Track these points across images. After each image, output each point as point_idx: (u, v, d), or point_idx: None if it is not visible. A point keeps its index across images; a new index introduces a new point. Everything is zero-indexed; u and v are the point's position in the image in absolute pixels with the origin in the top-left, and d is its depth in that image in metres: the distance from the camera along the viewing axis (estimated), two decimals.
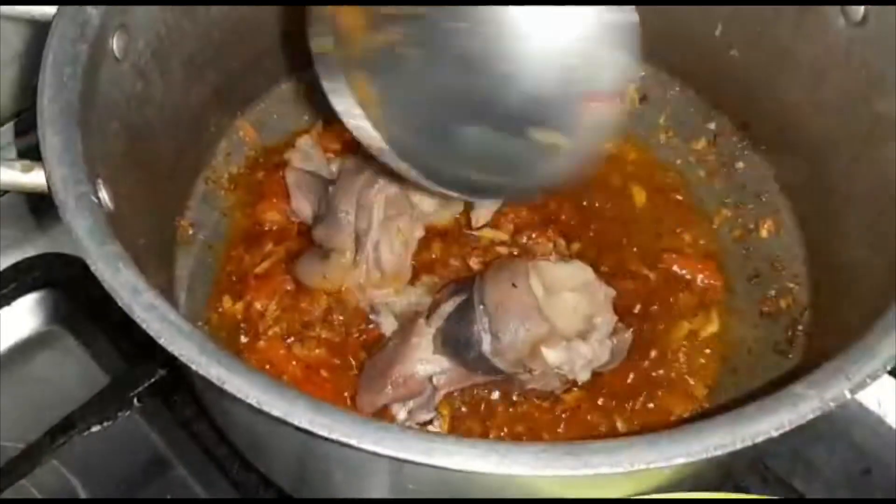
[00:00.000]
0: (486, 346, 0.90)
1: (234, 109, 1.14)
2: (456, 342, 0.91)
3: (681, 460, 0.60)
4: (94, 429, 1.00)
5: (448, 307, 0.93)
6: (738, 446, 0.61)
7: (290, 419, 0.61)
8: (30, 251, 1.15)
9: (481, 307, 0.90)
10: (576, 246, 1.10)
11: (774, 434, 0.62)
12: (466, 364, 0.91)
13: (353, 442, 0.60)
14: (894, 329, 0.68)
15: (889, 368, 0.66)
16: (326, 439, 0.60)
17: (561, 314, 0.91)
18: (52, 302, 1.14)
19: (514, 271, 0.92)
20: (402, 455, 0.60)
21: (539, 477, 0.61)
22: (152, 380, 1.02)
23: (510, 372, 0.91)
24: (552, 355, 0.88)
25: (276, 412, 0.61)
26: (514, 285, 0.90)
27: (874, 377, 0.65)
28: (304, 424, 0.61)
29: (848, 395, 0.64)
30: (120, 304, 0.66)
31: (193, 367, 0.63)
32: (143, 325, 0.65)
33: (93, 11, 0.82)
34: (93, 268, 0.67)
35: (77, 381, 1.09)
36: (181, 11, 0.95)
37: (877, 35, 0.92)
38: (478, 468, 0.60)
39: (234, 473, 0.99)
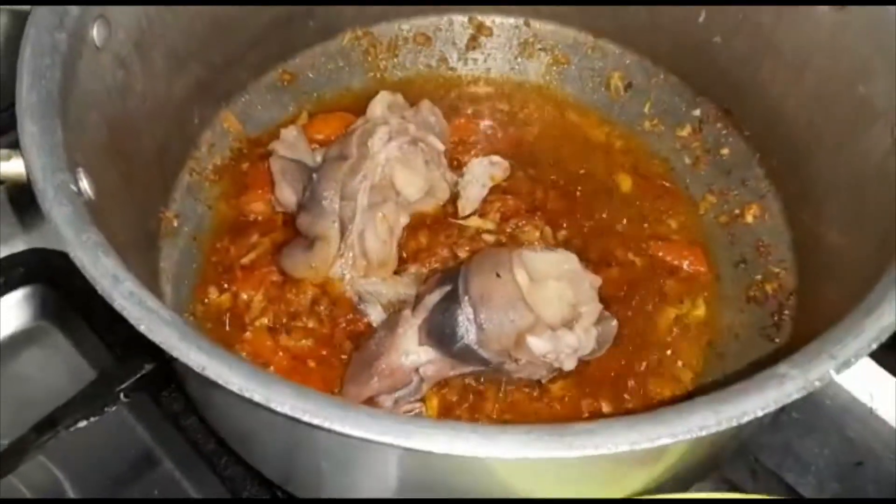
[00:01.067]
0: (472, 336, 0.89)
1: (219, 101, 1.13)
2: (441, 333, 0.90)
3: (665, 441, 0.60)
4: (81, 424, 0.99)
5: (433, 298, 0.92)
6: (724, 426, 0.61)
7: (271, 404, 0.60)
8: (17, 246, 1.14)
9: (466, 298, 0.90)
10: (562, 234, 1.10)
11: (759, 413, 0.62)
12: (452, 354, 0.91)
13: (335, 426, 0.59)
14: (878, 308, 0.68)
15: (874, 347, 0.66)
16: (307, 424, 0.60)
17: (546, 303, 0.91)
18: (39, 297, 1.13)
19: (498, 261, 0.91)
20: (382, 438, 0.59)
21: (521, 459, 0.60)
22: (139, 375, 1.01)
23: (496, 362, 0.91)
24: (538, 344, 0.88)
25: (257, 397, 0.61)
26: (498, 275, 0.90)
27: (859, 356, 0.65)
28: (286, 410, 0.60)
29: (833, 375, 0.64)
30: (100, 291, 0.66)
31: (174, 353, 0.63)
32: (123, 313, 0.64)
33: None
34: (72, 256, 0.67)
35: (65, 377, 1.08)
36: (162, 3, 0.95)
37: (860, 19, 0.92)
38: (459, 451, 0.59)
39: (221, 468, 0.98)
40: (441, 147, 1.08)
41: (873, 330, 0.66)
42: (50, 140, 0.73)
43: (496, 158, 1.13)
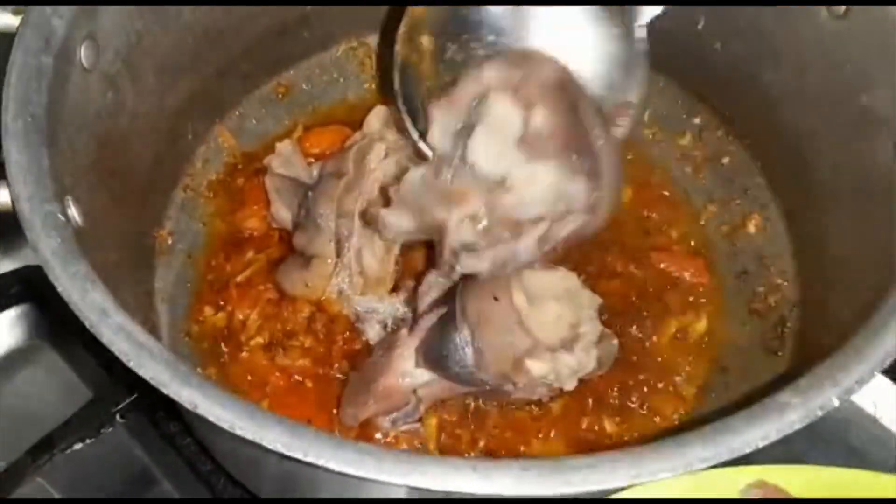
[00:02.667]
0: (469, 360, 0.88)
1: (212, 115, 1.12)
2: (438, 356, 0.89)
3: (665, 475, 0.59)
4: (77, 446, 0.99)
5: (430, 319, 0.91)
6: (724, 458, 0.60)
7: (264, 443, 0.59)
8: (9, 265, 1.13)
9: (463, 321, 0.88)
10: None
11: (760, 445, 0.61)
12: (450, 377, 0.90)
13: (331, 465, 0.58)
14: (882, 331, 0.67)
15: (877, 373, 0.64)
16: (302, 462, 0.59)
17: (545, 324, 0.89)
18: (34, 316, 1.12)
19: (496, 282, 0.89)
20: (379, 477, 0.58)
21: (518, 496, 0.59)
22: (134, 396, 1.01)
23: (494, 384, 0.90)
24: (537, 367, 0.87)
25: (250, 436, 0.60)
26: (495, 298, 0.88)
27: (862, 382, 0.64)
28: (280, 448, 0.59)
29: (835, 403, 0.62)
30: (88, 326, 0.65)
31: (164, 391, 0.62)
32: (112, 348, 0.63)
33: (58, 22, 0.80)
34: (59, 289, 0.66)
35: (62, 395, 1.07)
36: (151, 18, 0.93)
37: (861, 27, 0.91)
38: (454, 488, 0.58)
39: (220, 489, 0.97)
40: None
41: (878, 354, 0.65)
42: (37, 169, 0.72)
43: None
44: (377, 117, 1.06)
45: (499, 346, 0.87)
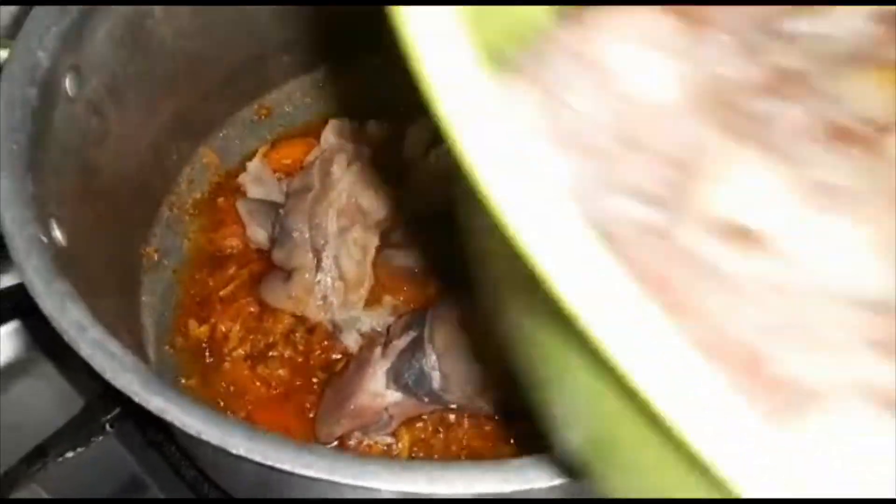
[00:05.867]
0: (436, 384, 0.92)
1: (196, 137, 1.16)
2: (407, 380, 0.93)
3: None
4: (69, 455, 1.03)
5: (400, 343, 0.95)
6: None
7: (227, 447, 0.64)
8: (7, 281, 1.17)
9: (430, 347, 0.92)
10: None
11: None
12: (419, 398, 0.94)
13: (286, 467, 0.63)
14: None
15: None
16: (262, 465, 0.63)
17: None
18: (30, 329, 1.16)
19: (464, 310, 0.93)
20: (333, 478, 0.63)
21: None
22: (123, 407, 1.05)
23: (463, 404, 0.94)
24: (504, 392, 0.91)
25: (214, 441, 0.64)
26: (463, 327, 0.92)
27: None
28: (242, 452, 0.64)
29: None
30: (67, 340, 0.69)
31: (136, 399, 0.67)
32: (89, 361, 0.68)
33: (42, 55, 0.85)
34: (41, 306, 0.71)
35: (57, 404, 1.11)
36: (134, 48, 0.98)
37: None
38: (408, 489, 0.63)
39: (205, 494, 1.01)
40: None
41: None
42: (22, 194, 0.77)
43: None
44: (332, 131, 1.12)
45: (466, 374, 0.92)
